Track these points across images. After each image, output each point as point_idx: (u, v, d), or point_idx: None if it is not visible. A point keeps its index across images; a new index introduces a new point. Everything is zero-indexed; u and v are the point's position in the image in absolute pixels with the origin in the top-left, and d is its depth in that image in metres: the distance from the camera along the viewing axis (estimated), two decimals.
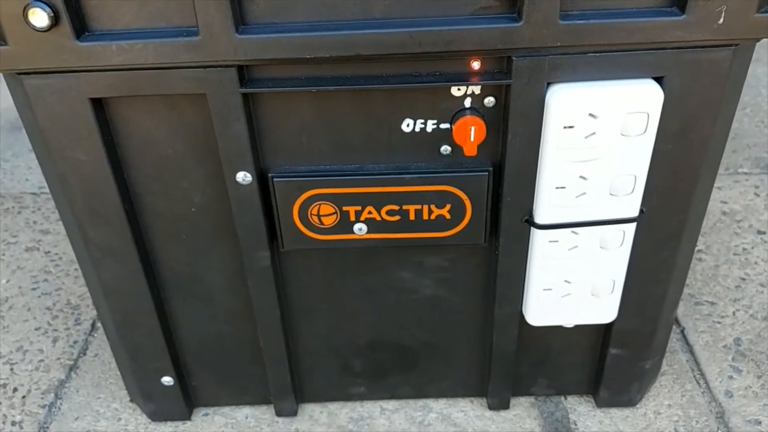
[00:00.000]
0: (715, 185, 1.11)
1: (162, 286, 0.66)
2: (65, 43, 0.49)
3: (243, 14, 0.49)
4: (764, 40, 0.50)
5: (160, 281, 0.66)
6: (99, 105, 0.54)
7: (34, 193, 1.16)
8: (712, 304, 0.89)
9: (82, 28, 0.49)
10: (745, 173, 1.13)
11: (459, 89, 0.54)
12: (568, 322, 0.67)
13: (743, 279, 0.92)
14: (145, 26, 0.50)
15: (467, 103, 0.55)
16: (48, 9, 0.47)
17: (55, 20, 0.48)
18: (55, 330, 0.89)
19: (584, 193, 0.56)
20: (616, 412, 0.76)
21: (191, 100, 0.54)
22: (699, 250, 0.97)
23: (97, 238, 0.61)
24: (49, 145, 0.55)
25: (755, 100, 1.32)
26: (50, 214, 1.10)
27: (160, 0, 0.49)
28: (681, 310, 0.88)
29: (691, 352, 0.83)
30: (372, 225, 0.60)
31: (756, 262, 0.95)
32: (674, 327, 0.86)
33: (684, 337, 0.85)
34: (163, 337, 0.68)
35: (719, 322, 0.86)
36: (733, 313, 0.88)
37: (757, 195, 1.08)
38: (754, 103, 1.31)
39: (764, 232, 1.00)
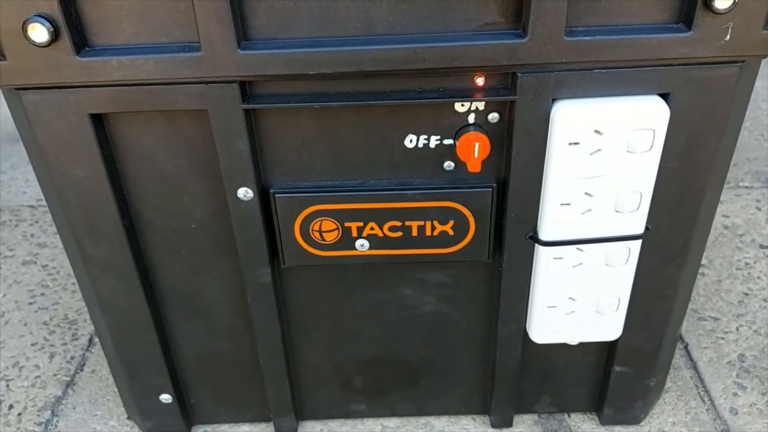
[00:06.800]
0: None
1: (161, 303, 0.65)
2: (65, 59, 0.48)
3: (245, 30, 0.49)
4: None
5: (159, 297, 0.65)
6: (98, 120, 0.53)
7: (31, 206, 1.15)
8: (716, 319, 0.88)
9: (81, 43, 0.49)
10: (747, 187, 1.13)
11: (463, 105, 0.53)
12: (573, 340, 0.66)
13: (746, 294, 0.92)
14: (146, 41, 0.49)
15: (471, 119, 0.54)
16: (48, 24, 0.46)
17: (55, 35, 0.47)
18: (52, 345, 0.88)
19: (589, 210, 0.56)
20: (620, 430, 0.75)
21: (192, 115, 0.53)
22: (701, 265, 0.96)
23: (96, 254, 0.60)
24: (47, 161, 0.54)
25: (755, 113, 1.32)
26: (48, 228, 1.09)
27: (162, 15, 0.48)
28: (684, 326, 0.87)
29: (695, 368, 0.82)
30: (374, 241, 0.60)
31: (759, 277, 0.94)
32: (678, 343, 0.85)
33: (688, 353, 0.84)
34: (161, 354, 0.67)
35: (723, 338, 0.86)
36: (737, 328, 0.87)
37: (759, 209, 1.07)
38: (754, 117, 1.31)
39: (767, 247, 1.00)
